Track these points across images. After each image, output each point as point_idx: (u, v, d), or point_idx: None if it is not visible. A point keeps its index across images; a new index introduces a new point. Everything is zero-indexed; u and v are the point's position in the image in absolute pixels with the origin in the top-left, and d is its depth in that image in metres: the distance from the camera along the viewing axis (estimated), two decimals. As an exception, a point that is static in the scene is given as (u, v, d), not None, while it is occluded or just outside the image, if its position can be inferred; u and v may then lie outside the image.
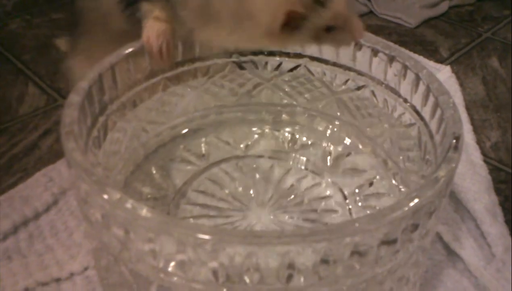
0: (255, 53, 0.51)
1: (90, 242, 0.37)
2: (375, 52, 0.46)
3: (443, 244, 0.47)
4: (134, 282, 0.33)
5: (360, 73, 0.48)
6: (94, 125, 0.40)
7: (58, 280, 0.44)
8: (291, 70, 0.52)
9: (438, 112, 0.39)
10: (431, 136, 0.40)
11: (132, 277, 0.32)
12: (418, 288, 0.39)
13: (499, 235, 0.47)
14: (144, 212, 0.28)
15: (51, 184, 0.53)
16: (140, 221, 0.28)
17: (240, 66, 0.52)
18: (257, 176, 0.50)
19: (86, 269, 0.44)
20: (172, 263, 0.29)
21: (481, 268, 0.44)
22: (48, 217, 0.49)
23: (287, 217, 0.46)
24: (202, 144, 0.53)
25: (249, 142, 0.54)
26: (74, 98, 0.36)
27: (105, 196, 0.29)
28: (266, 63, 0.52)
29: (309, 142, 0.54)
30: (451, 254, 0.46)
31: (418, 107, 0.43)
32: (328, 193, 0.49)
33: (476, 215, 0.49)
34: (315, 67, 0.51)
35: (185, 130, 0.53)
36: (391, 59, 0.45)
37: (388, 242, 0.29)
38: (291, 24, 0.39)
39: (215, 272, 0.29)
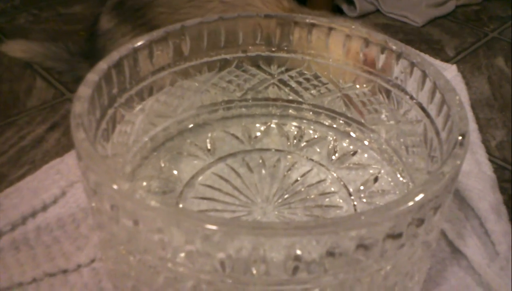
0: (262, 49, 0.52)
1: (98, 233, 0.38)
2: (382, 49, 0.46)
3: (447, 242, 0.47)
4: (141, 273, 0.33)
5: (366, 70, 0.48)
6: (103, 118, 0.40)
7: (65, 271, 0.44)
8: (298, 66, 0.53)
9: (445, 109, 0.39)
10: (437, 133, 0.40)
11: (140, 267, 0.33)
12: (422, 285, 0.40)
13: (503, 233, 0.47)
14: (153, 202, 0.28)
15: (59, 176, 0.53)
16: (149, 211, 0.29)
17: (247, 62, 0.52)
18: (263, 171, 0.51)
19: (92, 261, 0.45)
20: (181, 254, 0.29)
21: (485, 265, 0.45)
22: (55, 209, 0.50)
23: (291, 212, 0.47)
24: (209, 139, 0.53)
25: (256, 136, 0.54)
26: (84, 90, 0.37)
27: (115, 186, 0.29)
28: (273, 59, 0.52)
29: (315, 136, 0.54)
30: (455, 251, 0.47)
31: (425, 104, 0.43)
32: (333, 188, 0.49)
33: (480, 213, 0.49)
34: (322, 63, 0.51)
35: (192, 125, 0.53)
36: (398, 56, 0.45)
37: (394, 236, 0.30)
38: None
39: (222, 263, 0.29)
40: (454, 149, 0.34)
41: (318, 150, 0.53)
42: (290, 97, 0.55)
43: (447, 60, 0.78)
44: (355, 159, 0.52)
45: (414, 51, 0.45)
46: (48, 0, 0.92)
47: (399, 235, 0.30)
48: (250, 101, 0.55)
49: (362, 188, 0.49)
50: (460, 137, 0.34)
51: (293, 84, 0.54)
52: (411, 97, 0.45)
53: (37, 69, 0.72)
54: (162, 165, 0.50)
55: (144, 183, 0.48)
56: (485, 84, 0.73)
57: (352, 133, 0.53)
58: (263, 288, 0.30)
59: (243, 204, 0.47)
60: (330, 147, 0.53)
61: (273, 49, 0.52)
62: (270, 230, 0.27)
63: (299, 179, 0.50)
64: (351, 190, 0.49)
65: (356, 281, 0.31)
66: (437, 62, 0.75)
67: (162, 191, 0.48)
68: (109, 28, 0.63)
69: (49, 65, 0.71)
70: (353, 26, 0.48)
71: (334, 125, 0.54)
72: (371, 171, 0.50)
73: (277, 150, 0.53)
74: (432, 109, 0.42)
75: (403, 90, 0.45)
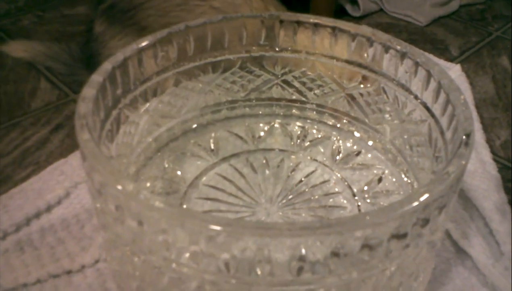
0: (266, 49, 0.52)
1: (103, 234, 0.38)
2: (386, 49, 0.46)
3: (451, 242, 0.47)
4: (146, 274, 0.33)
5: (371, 69, 0.48)
6: (107, 119, 0.40)
7: (69, 272, 0.44)
8: (301, 66, 0.53)
9: (449, 108, 0.39)
10: (442, 132, 0.40)
11: (145, 268, 0.33)
12: (426, 285, 0.40)
13: (508, 233, 0.47)
14: (158, 203, 0.28)
15: (63, 177, 0.53)
16: (153, 212, 0.29)
17: (251, 62, 0.52)
18: (267, 171, 0.51)
19: (97, 261, 0.45)
20: (185, 254, 0.29)
21: (490, 265, 0.44)
22: (59, 210, 0.50)
23: (295, 213, 0.47)
24: (212, 139, 0.53)
25: (260, 136, 0.54)
26: (89, 91, 0.37)
27: (119, 187, 0.29)
28: (277, 59, 0.52)
29: (319, 136, 0.54)
30: (460, 251, 0.46)
31: (429, 104, 0.43)
32: (337, 189, 0.49)
33: (485, 213, 0.49)
34: (326, 63, 0.51)
35: (195, 125, 0.53)
36: (403, 55, 0.45)
37: (399, 236, 0.30)
38: None
39: (226, 264, 0.29)
40: (459, 149, 0.34)
41: (322, 150, 0.53)
42: (294, 97, 0.55)
43: (451, 59, 0.78)
44: (359, 159, 0.52)
45: (418, 51, 0.45)
46: (52, 1, 0.92)
47: (404, 235, 0.30)
48: (254, 101, 0.55)
49: (366, 188, 0.49)
50: (465, 137, 0.34)
51: (297, 85, 0.54)
52: (416, 97, 0.45)
53: (42, 70, 0.73)
54: (166, 165, 0.50)
55: (148, 184, 0.48)
56: (489, 84, 0.73)
57: (356, 133, 0.53)
58: (268, 288, 0.30)
59: (247, 204, 0.47)
60: (334, 147, 0.53)
61: (277, 49, 0.51)
62: (275, 231, 0.27)
63: (303, 179, 0.50)
64: (355, 190, 0.49)
65: (361, 281, 0.31)
66: (441, 62, 0.75)
67: (166, 191, 0.48)
68: (100, 32, 0.63)
69: (51, 65, 0.71)
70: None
71: (338, 125, 0.54)
72: (375, 171, 0.50)
73: (280, 150, 0.53)
74: (436, 109, 0.42)
75: (408, 90, 0.45)
